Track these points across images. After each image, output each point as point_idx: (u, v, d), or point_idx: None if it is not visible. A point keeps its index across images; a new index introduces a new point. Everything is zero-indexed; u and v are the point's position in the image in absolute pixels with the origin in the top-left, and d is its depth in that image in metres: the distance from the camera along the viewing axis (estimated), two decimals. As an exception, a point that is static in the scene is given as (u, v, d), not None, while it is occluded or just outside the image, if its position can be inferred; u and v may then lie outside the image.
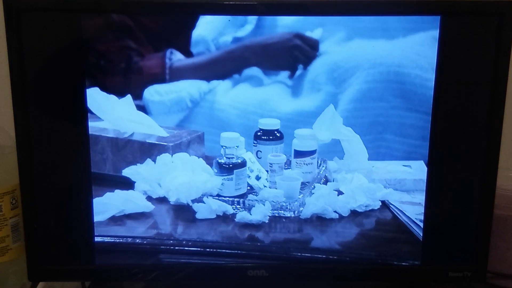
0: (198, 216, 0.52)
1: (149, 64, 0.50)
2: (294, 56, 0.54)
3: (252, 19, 0.55)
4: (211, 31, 0.53)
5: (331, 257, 0.51)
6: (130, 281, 0.71)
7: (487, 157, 0.59)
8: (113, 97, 0.50)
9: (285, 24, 0.53)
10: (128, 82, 0.53)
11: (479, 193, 0.60)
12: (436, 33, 0.51)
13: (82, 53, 0.56)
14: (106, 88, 0.51)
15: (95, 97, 0.49)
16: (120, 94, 0.51)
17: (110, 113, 0.52)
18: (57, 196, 0.61)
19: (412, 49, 0.52)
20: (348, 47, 0.53)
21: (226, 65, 0.55)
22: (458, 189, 0.60)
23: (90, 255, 0.62)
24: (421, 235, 0.56)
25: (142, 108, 0.54)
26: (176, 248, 0.51)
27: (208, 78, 0.56)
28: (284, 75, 0.56)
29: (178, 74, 0.53)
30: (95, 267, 0.63)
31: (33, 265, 0.62)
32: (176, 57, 0.52)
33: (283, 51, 0.54)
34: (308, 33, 0.52)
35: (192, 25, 0.54)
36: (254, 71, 0.55)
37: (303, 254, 0.51)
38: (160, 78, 0.53)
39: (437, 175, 0.59)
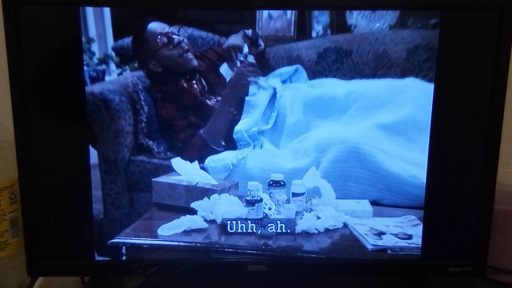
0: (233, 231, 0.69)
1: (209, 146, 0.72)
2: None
3: (272, 121, 0.74)
4: (245, 126, 0.73)
5: (313, 255, 0.69)
6: (130, 276, 0.69)
7: (487, 153, 0.58)
8: (187, 162, 0.70)
9: (290, 121, 0.75)
10: (196, 155, 0.71)
11: (479, 189, 0.59)
12: (381, 123, 0.69)
13: (80, 48, 0.56)
14: (184, 158, 0.70)
15: (178, 162, 0.70)
16: (192, 160, 0.70)
17: (185, 171, 0.70)
18: (56, 190, 0.58)
19: (364, 133, 0.71)
20: (328, 131, 0.73)
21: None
22: (459, 184, 0.59)
23: (89, 250, 0.60)
24: (365, 243, 0.67)
25: (203, 168, 0.71)
26: (221, 249, 0.68)
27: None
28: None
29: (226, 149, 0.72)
30: (95, 262, 0.61)
31: (32, 260, 0.59)
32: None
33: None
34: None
35: (236, 123, 0.72)
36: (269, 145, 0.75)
37: (297, 254, 0.69)
38: (214, 153, 0.72)
39: (438, 170, 0.60)
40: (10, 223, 0.61)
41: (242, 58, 0.69)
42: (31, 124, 0.57)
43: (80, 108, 0.58)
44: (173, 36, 0.67)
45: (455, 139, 0.60)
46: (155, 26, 0.67)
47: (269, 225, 0.70)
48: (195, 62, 0.71)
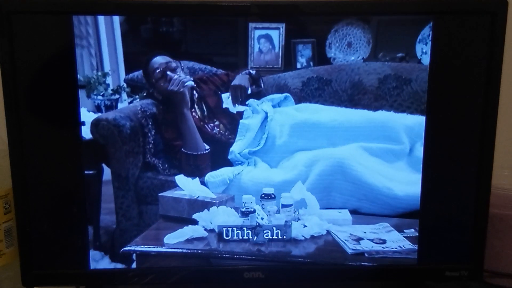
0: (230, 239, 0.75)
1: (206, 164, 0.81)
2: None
3: (262, 142, 0.82)
4: (238, 148, 0.81)
5: (300, 260, 0.75)
6: (125, 285, 0.68)
7: (481, 156, 0.57)
8: (189, 179, 0.77)
9: (279, 143, 0.83)
10: (197, 172, 0.78)
11: (475, 193, 0.58)
12: (361, 145, 0.77)
13: (74, 57, 0.56)
14: (186, 175, 0.77)
15: (181, 179, 0.76)
16: (193, 177, 0.77)
17: (187, 186, 0.77)
18: (51, 200, 0.57)
19: (347, 150, 0.78)
20: (314, 149, 0.80)
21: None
22: (454, 189, 0.59)
23: (84, 259, 0.59)
24: (346, 248, 0.74)
25: (203, 183, 0.77)
26: (219, 255, 0.75)
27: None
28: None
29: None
30: (90, 272, 0.60)
31: (27, 270, 0.58)
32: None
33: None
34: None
35: (230, 145, 0.79)
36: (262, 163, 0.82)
37: (286, 258, 0.75)
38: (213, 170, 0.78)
39: (433, 175, 0.59)
40: (4, 233, 0.60)
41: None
42: (24, 133, 0.56)
43: (73, 117, 0.58)
44: (167, 72, 0.77)
45: (450, 143, 0.60)
46: (155, 60, 0.76)
47: (265, 231, 0.76)
48: (186, 97, 0.80)
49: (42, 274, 0.60)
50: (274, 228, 0.75)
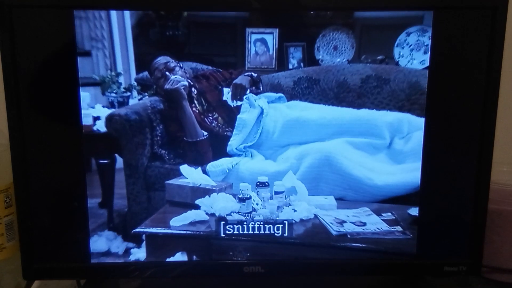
0: (229, 222, 0.80)
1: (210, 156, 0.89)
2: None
3: (257, 136, 0.88)
4: (236, 143, 0.87)
5: (291, 240, 0.80)
6: (127, 279, 0.68)
7: (481, 152, 0.57)
8: (192, 168, 0.82)
9: (272, 138, 0.89)
10: (198, 159, 0.84)
11: (474, 188, 0.58)
12: (346, 140, 0.84)
13: (74, 51, 0.55)
14: (190, 164, 0.82)
15: (185, 168, 0.82)
16: (196, 166, 0.82)
17: (191, 175, 0.82)
18: (52, 194, 0.57)
19: (334, 145, 0.84)
20: (306, 145, 0.86)
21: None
22: (453, 184, 0.58)
23: (85, 253, 0.58)
24: (331, 230, 0.80)
25: (205, 172, 0.83)
26: (219, 237, 0.80)
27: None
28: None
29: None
30: (91, 265, 0.60)
31: (28, 263, 0.57)
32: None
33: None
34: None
35: (228, 139, 0.86)
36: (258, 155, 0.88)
37: (278, 240, 0.80)
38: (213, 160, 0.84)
39: (432, 170, 0.59)
40: (5, 227, 0.60)
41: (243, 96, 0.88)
42: (25, 127, 0.56)
43: (74, 111, 0.58)
44: (166, 72, 0.85)
45: (449, 138, 0.59)
46: (156, 61, 0.85)
47: (256, 217, 0.81)
48: (182, 92, 0.88)
49: (43, 268, 0.60)
50: (279, 225, 0.82)
